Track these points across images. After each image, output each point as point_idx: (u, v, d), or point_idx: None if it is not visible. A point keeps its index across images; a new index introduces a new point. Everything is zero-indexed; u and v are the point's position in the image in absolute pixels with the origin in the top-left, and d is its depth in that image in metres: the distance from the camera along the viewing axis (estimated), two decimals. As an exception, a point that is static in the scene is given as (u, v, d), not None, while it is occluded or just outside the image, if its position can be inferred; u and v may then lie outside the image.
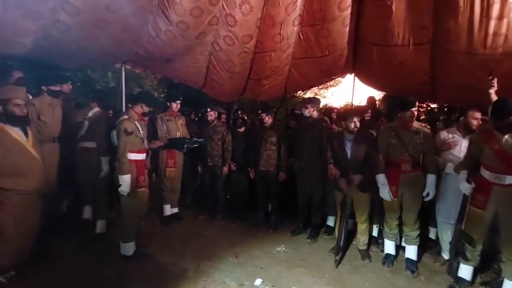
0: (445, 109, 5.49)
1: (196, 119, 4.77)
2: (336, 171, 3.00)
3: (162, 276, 2.64)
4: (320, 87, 11.15)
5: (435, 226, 3.06)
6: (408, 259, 2.87)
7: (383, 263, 2.94)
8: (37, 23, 2.68)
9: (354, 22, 3.84)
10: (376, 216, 3.23)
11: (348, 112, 3.05)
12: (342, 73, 4.89)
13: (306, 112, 3.47)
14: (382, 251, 3.12)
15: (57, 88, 3.11)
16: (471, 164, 2.49)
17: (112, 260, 2.81)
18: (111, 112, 3.67)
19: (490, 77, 2.75)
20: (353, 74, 4.86)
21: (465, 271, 2.54)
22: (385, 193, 2.84)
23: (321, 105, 4.18)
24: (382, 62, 3.97)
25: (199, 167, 4.07)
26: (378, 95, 7.66)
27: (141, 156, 2.90)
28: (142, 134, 2.90)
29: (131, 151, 2.76)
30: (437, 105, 5.83)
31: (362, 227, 3.02)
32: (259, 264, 2.89)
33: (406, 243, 2.92)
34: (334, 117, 4.29)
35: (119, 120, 2.82)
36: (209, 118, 3.91)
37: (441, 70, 3.60)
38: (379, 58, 3.94)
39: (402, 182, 2.80)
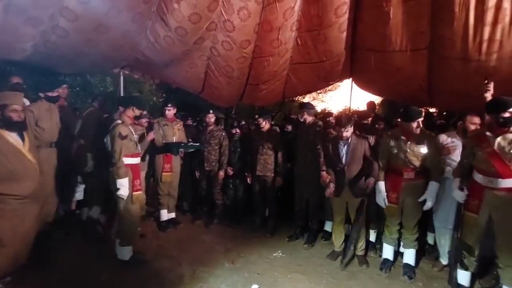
0: (444, 113, 5.49)
1: (195, 123, 4.77)
2: (329, 178, 2.98)
3: (158, 282, 2.62)
4: (319, 91, 11.17)
5: (434, 231, 3.04)
6: (406, 265, 2.85)
7: (381, 269, 2.92)
8: (37, 28, 2.73)
9: (351, 28, 3.87)
10: (373, 222, 3.22)
11: (341, 119, 3.02)
12: (339, 79, 4.92)
13: (301, 117, 3.48)
14: (380, 256, 3.10)
15: (55, 94, 3.12)
16: (465, 170, 2.48)
17: (108, 265, 2.79)
18: (106, 115, 3.68)
19: (486, 81, 2.76)
20: (351, 79, 4.89)
21: (463, 277, 2.52)
22: (380, 200, 2.84)
23: (319, 110, 4.19)
24: (380, 68, 4.00)
25: (196, 172, 4.07)
26: (377, 99, 7.68)
27: (136, 160, 2.91)
28: (135, 138, 2.92)
29: (126, 156, 2.76)
30: (436, 110, 5.83)
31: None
32: (256, 270, 2.87)
33: (405, 247, 2.91)
34: (332, 121, 4.30)
35: (113, 125, 2.83)
36: (208, 120, 3.90)
37: (438, 76, 3.62)
38: (377, 64, 3.97)
39: (403, 189, 2.76)
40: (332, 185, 2.96)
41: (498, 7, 2.80)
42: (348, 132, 2.90)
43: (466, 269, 2.47)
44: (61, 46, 2.98)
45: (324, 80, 4.69)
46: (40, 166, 2.52)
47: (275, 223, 3.78)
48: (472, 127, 2.77)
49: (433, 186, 2.67)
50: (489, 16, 2.84)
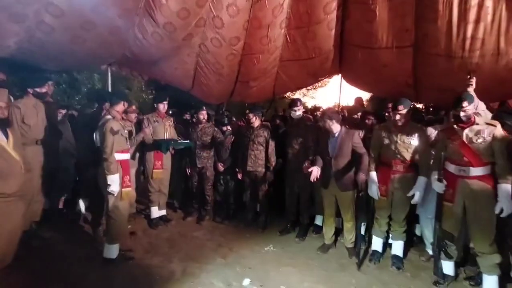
0: (431, 108, 5.61)
1: (190, 120, 4.77)
2: (313, 168, 2.87)
3: (148, 279, 2.61)
4: (309, 88, 11.28)
5: (420, 222, 3.13)
6: (394, 256, 2.93)
7: (370, 260, 2.99)
8: (21, 25, 2.66)
9: (339, 25, 3.92)
10: (362, 214, 3.27)
11: (328, 112, 3.09)
12: (328, 75, 4.98)
13: (292, 114, 3.51)
14: (369, 247, 3.17)
15: (43, 90, 3.06)
16: (441, 163, 2.58)
17: (97, 264, 2.76)
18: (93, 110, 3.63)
19: (469, 76, 2.86)
20: (340, 75, 4.95)
21: (448, 266, 2.61)
22: (373, 191, 2.89)
23: (310, 106, 4.24)
24: (367, 65, 4.07)
25: (187, 169, 4.05)
26: (366, 95, 7.78)
27: (126, 156, 2.88)
28: (126, 134, 2.88)
29: (116, 151, 2.72)
30: (423, 105, 5.96)
31: (348, 225, 3.07)
32: (247, 264, 2.90)
33: (393, 239, 2.98)
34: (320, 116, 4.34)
35: (103, 121, 2.78)
36: (201, 117, 3.89)
37: (423, 73, 3.71)
38: (364, 60, 4.04)
39: (392, 182, 2.83)
40: (316, 169, 2.86)
41: (481, 5, 2.90)
42: (334, 124, 2.94)
43: (450, 258, 2.56)
44: (46, 42, 2.92)
45: (313, 76, 4.74)
46: (26, 164, 2.47)
47: (266, 218, 3.81)
48: None
49: (421, 180, 2.73)
50: (472, 14, 2.94)
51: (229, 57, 4.19)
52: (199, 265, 2.85)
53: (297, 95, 11.44)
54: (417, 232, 3.31)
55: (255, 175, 3.69)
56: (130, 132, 3.18)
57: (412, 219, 3.11)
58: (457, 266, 2.68)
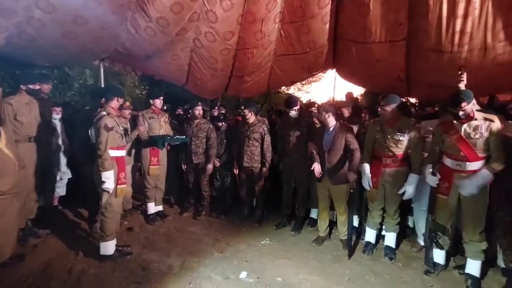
0: (423, 103, 5.68)
1: (183, 115, 4.76)
2: (314, 166, 3.04)
3: (146, 274, 2.64)
4: (303, 82, 11.29)
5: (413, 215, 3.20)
6: (387, 247, 3.01)
7: (363, 251, 3.07)
8: (11, 20, 2.62)
9: (333, 20, 3.93)
10: (355, 207, 3.34)
11: (323, 105, 3.16)
12: (323, 69, 5.00)
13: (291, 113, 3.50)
14: (362, 239, 3.25)
15: (37, 87, 3.01)
16: (435, 156, 2.64)
17: (95, 260, 2.77)
18: (87, 108, 3.60)
19: (460, 72, 2.90)
20: (334, 70, 4.98)
21: (439, 256, 2.70)
22: (365, 182, 2.95)
23: (304, 101, 4.25)
24: (361, 59, 4.10)
25: (183, 165, 4.06)
26: (359, 90, 7.82)
27: (121, 153, 2.86)
28: (121, 130, 2.87)
29: (111, 148, 2.70)
30: (416, 100, 6.02)
31: (341, 218, 3.13)
32: (244, 258, 2.94)
33: (386, 231, 3.05)
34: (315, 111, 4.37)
35: (98, 117, 2.76)
36: (196, 113, 3.87)
37: (414, 68, 3.76)
38: (358, 55, 4.06)
39: (383, 175, 2.89)
40: (317, 165, 3.02)
41: (469, 0, 2.93)
42: (330, 117, 2.99)
43: (441, 248, 2.64)
44: (37, 38, 2.88)
45: (308, 71, 4.75)
46: (19, 161, 2.46)
47: (262, 212, 3.85)
48: None
49: (412, 178, 2.75)
50: (461, 9, 2.98)
51: (224, 51, 4.17)
52: (197, 259, 2.88)
53: (291, 90, 11.46)
54: (410, 223, 3.39)
55: (251, 170, 3.72)
56: (125, 130, 3.17)
57: (405, 211, 3.19)
58: (448, 256, 2.77)
